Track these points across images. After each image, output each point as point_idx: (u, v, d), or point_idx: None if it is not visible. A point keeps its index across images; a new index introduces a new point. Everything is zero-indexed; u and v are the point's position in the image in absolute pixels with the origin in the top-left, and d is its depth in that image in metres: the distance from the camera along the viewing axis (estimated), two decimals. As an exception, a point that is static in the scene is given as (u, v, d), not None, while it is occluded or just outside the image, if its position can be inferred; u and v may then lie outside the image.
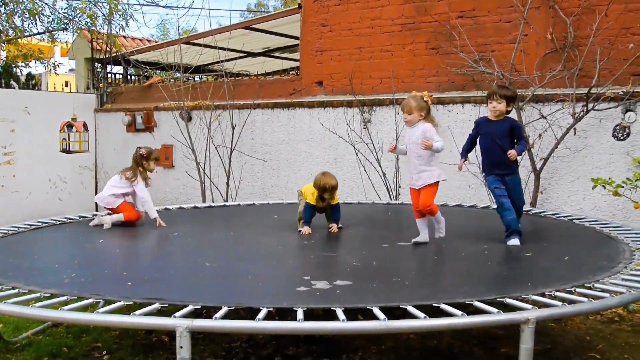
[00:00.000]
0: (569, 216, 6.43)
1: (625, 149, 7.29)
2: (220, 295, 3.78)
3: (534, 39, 7.89)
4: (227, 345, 5.00)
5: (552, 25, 7.72)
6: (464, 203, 7.54)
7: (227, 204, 8.55)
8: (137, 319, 3.19)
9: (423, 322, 3.12)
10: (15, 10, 10.90)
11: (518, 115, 7.62)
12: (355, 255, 4.86)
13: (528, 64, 7.81)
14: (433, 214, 5.37)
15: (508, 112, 5.36)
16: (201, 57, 11.24)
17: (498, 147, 5.32)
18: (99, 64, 12.70)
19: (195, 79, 12.27)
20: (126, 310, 3.39)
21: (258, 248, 5.33)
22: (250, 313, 3.36)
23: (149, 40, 15.39)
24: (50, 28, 11.48)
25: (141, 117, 11.27)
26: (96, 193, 11.99)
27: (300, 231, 5.78)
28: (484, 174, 5.70)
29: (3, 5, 11.54)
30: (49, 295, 3.63)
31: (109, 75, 12.91)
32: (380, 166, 8.68)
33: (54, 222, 6.42)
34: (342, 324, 3.10)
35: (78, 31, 12.14)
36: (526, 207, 7.22)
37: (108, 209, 6.42)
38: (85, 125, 10.61)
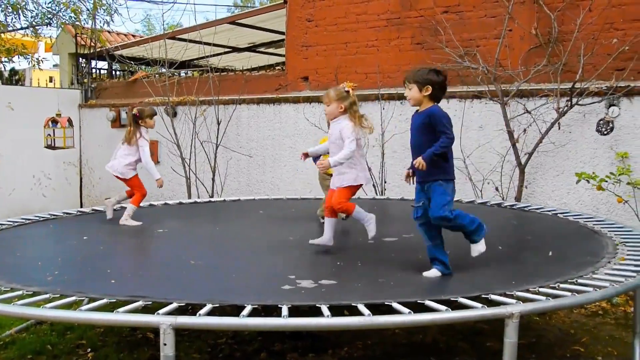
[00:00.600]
0: (554, 210, 6.46)
1: (608, 143, 7.33)
2: (205, 292, 3.76)
3: (518, 34, 7.90)
4: (212, 341, 4.99)
5: (537, 21, 7.74)
6: (449, 198, 7.54)
7: (212, 199, 8.52)
8: (121, 317, 3.16)
9: (408, 317, 3.12)
10: (-2, 5, 10.80)
11: (503, 110, 7.64)
12: (340, 253, 4.85)
13: (513, 59, 7.82)
14: (350, 213, 4.87)
15: (435, 98, 4.33)
16: (186, 52, 11.18)
17: (413, 145, 4.42)
18: (84, 59, 12.59)
19: (181, 74, 12.21)
20: (111, 307, 3.37)
21: (243, 245, 5.32)
22: (236, 310, 3.35)
23: (134, 36, 15.30)
24: (33, 23, 11.38)
25: (126, 112, 11.18)
26: (81, 189, 11.93)
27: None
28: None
29: (-15, 0, 11.44)
30: (31, 293, 3.59)
31: (94, 70, 12.82)
32: (366, 161, 8.66)
33: (38, 218, 6.36)
34: (326, 320, 3.09)
35: (62, 26, 12.04)
36: (511, 202, 7.27)
37: (120, 179, 6.52)
38: (69, 121, 10.53)
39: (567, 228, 5.73)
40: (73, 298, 3.48)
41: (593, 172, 7.06)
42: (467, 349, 4.83)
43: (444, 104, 8.21)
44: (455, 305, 3.31)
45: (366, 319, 3.09)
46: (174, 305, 3.26)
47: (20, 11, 11.02)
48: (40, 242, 5.60)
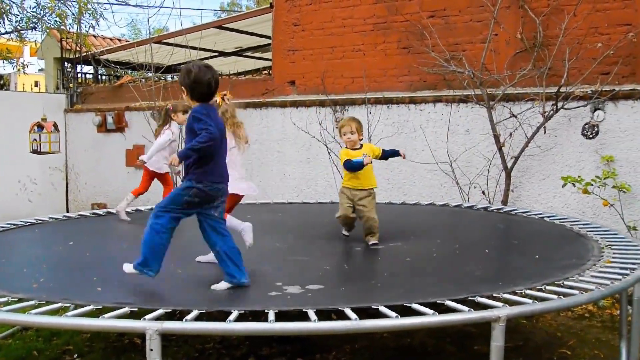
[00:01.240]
0: (540, 214, 6.49)
1: (594, 147, 7.38)
2: (191, 299, 3.76)
3: (504, 38, 7.95)
4: (200, 346, 4.98)
5: (522, 25, 7.79)
6: (436, 202, 7.57)
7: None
8: (107, 322, 3.15)
9: (395, 321, 3.12)
10: (-18, 10, 10.73)
11: (489, 115, 7.68)
12: (327, 258, 4.86)
13: (498, 63, 7.87)
14: None
15: (200, 97, 3.92)
16: (172, 56, 11.15)
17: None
18: (69, 64, 12.54)
19: (167, 78, 12.18)
20: (97, 313, 3.35)
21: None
22: (223, 315, 3.34)
23: (119, 40, 15.25)
24: (18, 27, 11.30)
25: (112, 117, 11.14)
26: (67, 194, 11.86)
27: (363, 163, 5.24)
28: None
29: (-30, 4, 11.36)
30: (16, 299, 3.57)
31: (79, 75, 12.76)
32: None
33: (24, 223, 6.32)
34: (313, 324, 3.09)
35: (47, 30, 11.98)
36: (497, 205, 7.31)
37: (156, 174, 7.09)
38: (55, 126, 10.50)
39: (553, 231, 5.76)
40: (59, 304, 3.46)
41: (579, 176, 7.11)
42: (455, 352, 4.85)
43: (430, 109, 8.36)
44: (442, 309, 3.32)
45: (353, 323, 3.09)
46: (161, 311, 3.26)
47: (4, 15, 10.94)
48: (25, 247, 5.57)
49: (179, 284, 4.17)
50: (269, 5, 10.11)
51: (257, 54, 14.83)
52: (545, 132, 7.55)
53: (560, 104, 7.34)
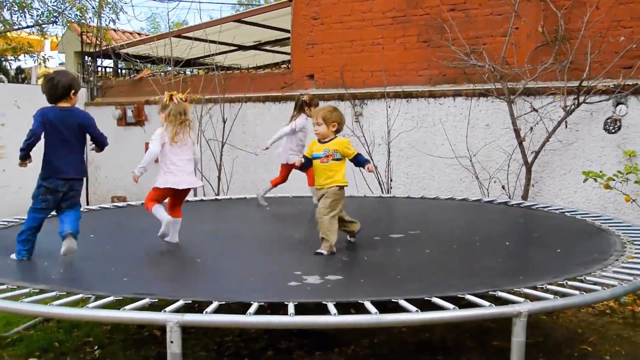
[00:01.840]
0: (561, 209, 6.43)
1: (616, 142, 7.30)
2: (211, 290, 3.76)
3: (525, 32, 7.88)
4: (219, 339, 4.98)
5: (543, 18, 7.72)
6: (455, 196, 7.53)
7: (218, 197, 8.51)
8: (128, 314, 3.17)
9: (415, 315, 3.11)
10: (4, 3, 10.80)
11: (510, 109, 7.61)
12: (347, 250, 4.85)
13: (519, 57, 7.80)
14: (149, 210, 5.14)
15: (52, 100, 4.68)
16: (192, 50, 11.16)
17: None
18: (89, 58, 12.61)
19: (186, 72, 12.21)
20: (117, 305, 3.37)
21: (249, 242, 5.31)
22: (242, 307, 3.35)
23: (139, 34, 15.31)
24: (39, 21, 11.39)
25: (132, 110, 11.20)
26: (87, 187, 11.93)
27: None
28: None
29: (-8, -1, 11.46)
30: (38, 290, 3.59)
31: (99, 68, 12.83)
32: (371, 159, 8.66)
33: (44, 216, 6.35)
34: (333, 318, 3.08)
35: (68, 24, 12.05)
36: (517, 200, 7.25)
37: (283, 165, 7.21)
38: (75, 119, 10.52)
39: (574, 226, 5.70)
40: (80, 296, 3.48)
41: (600, 171, 7.02)
42: (475, 348, 4.81)
43: (450, 102, 8.30)
44: (462, 303, 3.30)
45: (373, 317, 3.08)
46: (181, 302, 3.26)
47: (26, 9, 11.03)
48: (46, 239, 5.59)
49: (197, 275, 4.19)
50: (288, -1, 10.10)
51: (276, 48, 14.82)
52: (566, 127, 7.48)
53: (582, 98, 7.26)
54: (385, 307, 3.25)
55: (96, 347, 4.96)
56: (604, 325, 5.40)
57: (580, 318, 5.56)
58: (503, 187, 7.85)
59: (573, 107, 7.32)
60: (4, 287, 3.68)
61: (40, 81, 4.41)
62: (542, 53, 7.72)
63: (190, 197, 9.06)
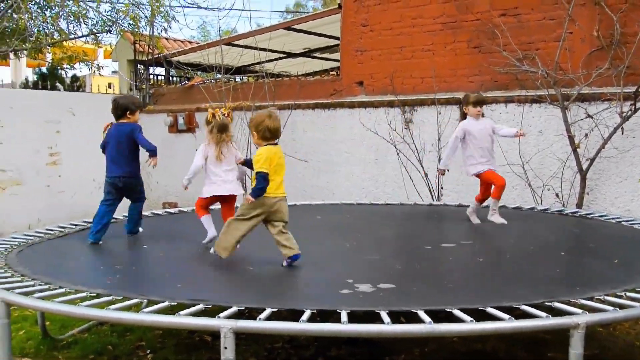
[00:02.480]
0: (617, 218, 6.29)
1: (675, 148, 7.10)
2: (263, 297, 3.78)
3: (579, 36, 7.73)
4: (269, 345, 5.01)
5: (598, 23, 7.56)
6: (508, 205, 7.42)
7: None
8: (183, 319, 3.21)
9: (470, 325, 3.07)
10: (61, 14, 11.08)
11: (563, 115, 7.48)
12: (398, 258, 4.83)
13: (573, 62, 7.65)
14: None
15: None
16: (242, 58, 11.28)
17: None
18: (142, 66, 12.86)
19: (236, 79, 12.33)
20: (170, 310, 3.42)
21: (300, 250, 5.31)
22: (292, 314, 3.36)
23: (190, 42, 15.54)
24: (94, 30, 11.64)
25: (183, 118, 11.37)
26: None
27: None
28: None
29: (49, 9, 11.74)
30: (94, 295, 3.67)
31: (151, 76, 13.07)
32: (422, 166, 8.61)
33: (99, 222, 6.49)
34: (386, 327, 3.07)
35: (121, 33, 12.31)
36: (572, 209, 7.11)
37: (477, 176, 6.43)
38: (128, 126, 10.73)
39: (631, 236, 5.57)
40: (135, 300, 3.54)
41: (658, 178, 6.86)
42: (528, 359, 4.73)
43: (501, 109, 8.19)
44: (517, 313, 3.25)
45: (427, 326, 3.05)
46: (234, 309, 3.29)
47: (81, 19, 11.28)
48: (102, 246, 5.72)
49: (249, 282, 4.22)
50: (337, 6, 10.12)
51: (325, 55, 14.87)
52: (622, 133, 7.30)
53: (639, 104, 7.09)
54: (436, 316, 3.21)
55: (149, 351, 5.04)
56: (664, 338, 5.26)
57: (638, 330, 5.42)
58: (557, 195, 7.71)
59: (630, 113, 7.15)
60: (63, 290, 3.78)
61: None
62: (597, 58, 7.56)
63: (240, 203, 9.14)
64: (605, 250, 5.03)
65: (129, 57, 12.87)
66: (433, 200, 8.45)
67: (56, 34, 11.32)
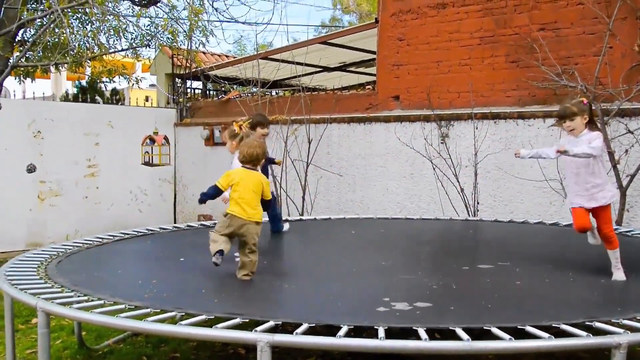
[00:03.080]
0: (659, 236, 6.17)
1: None
2: (298, 312, 3.78)
3: (619, 51, 7.63)
4: (301, 359, 5.01)
5: (639, 37, 7.46)
6: (545, 220, 7.33)
7: (303, 218, 8.58)
8: (220, 332, 3.23)
9: (508, 343, 3.03)
10: (101, 28, 11.29)
11: (603, 130, 7.37)
12: (434, 277, 4.78)
13: (613, 77, 7.55)
14: None
15: None
16: (278, 72, 11.36)
17: None
18: (179, 79, 13.04)
19: (272, 93, 12.42)
20: (204, 323, 3.44)
21: (335, 265, 5.31)
22: (326, 329, 3.35)
23: (226, 56, 15.70)
24: (133, 44, 11.84)
25: (219, 131, 11.47)
26: (175, 205, 12.27)
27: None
28: None
29: (90, 24, 11.98)
30: (133, 307, 3.71)
31: (189, 90, 13.23)
32: (458, 181, 8.56)
33: (136, 233, 6.58)
34: (424, 343, 3.05)
35: (160, 47, 12.50)
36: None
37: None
38: (166, 139, 10.89)
39: (675, 254, 5.45)
40: (173, 313, 3.57)
41: (702, 196, 6.72)
42: (567, 379, 4.65)
43: (539, 124, 8.11)
44: (556, 332, 3.20)
45: (465, 344, 3.02)
46: (271, 323, 3.30)
47: (121, 33, 11.49)
48: (139, 258, 5.79)
49: (285, 297, 4.23)
50: (374, 21, 10.15)
51: (361, 69, 14.90)
52: (664, 150, 7.18)
53: (681, 120, 6.97)
54: (472, 333, 3.18)
55: (183, 364, 5.08)
56: None
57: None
58: (595, 212, 7.58)
59: (672, 129, 7.03)
60: (101, 302, 3.83)
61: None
62: (638, 73, 7.45)
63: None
64: (647, 269, 4.93)
65: (167, 70, 13.06)
66: (469, 215, 8.38)
67: (96, 48, 11.52)
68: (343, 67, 14.80)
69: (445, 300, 4.10)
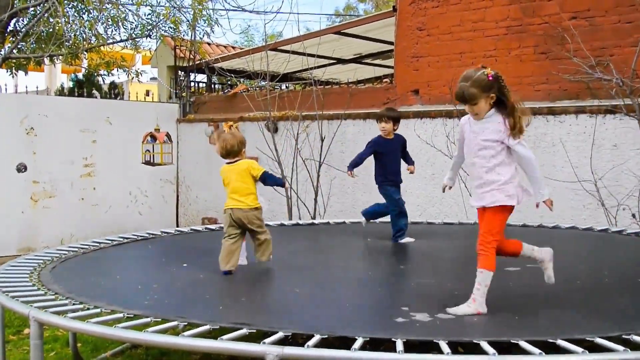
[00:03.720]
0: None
1: None
2: (310, 322, 3.77)
3: (659, 41, 7.59)
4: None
5: (681, 26, 7.42)
6: (578, 225, 7.28)
7: (315, 221, 8.56)
8: (225, 344, 3.22)
9: (539, 358, 3.01)
10: (99, 18, 11.33)
11: (641, 127, 7.33)
12: (457, 284, 4.75)
13: (652, 69, 7.51)
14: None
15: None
16: (288, 64, 11.35)
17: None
18: (182, 72, 13.04)
19: (282, 87, 12.42)
20: (208, 334, 3.44)
21: (350, 272, 5.30)
22: (340, 341, 3.34)
23: (233, 47, 15.69)
24: (133, 35, 11.87)
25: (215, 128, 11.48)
26: (177, 208, 12.29)
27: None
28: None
29: (86, 13, 12.01)
30: (132, 316, 3.71)
31: (192, 83, 13.23)
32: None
33: (136, 237, 6.59)
34: (446, 358, 3.03)
35: (161, 38, 12.51)
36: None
37: None
38: (168, 136, 10.93)
39: None
40: (175, 323, 3.57)
41: None
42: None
43: (571, 120, 8.05)
44: (589, 345, 3.18)
45: (491, 358, 3.00)
46: (280, 334, 3.29)
47: (120, 23, 11.52)
48: (139, 263, 5.80)
49: (295, 306, 4.21)
50: (391, 9, 10.13)
51: (378, 61, 14.89)
52: None
53: None
54: (498, 347, 3.16)
55: (186, 377, 5.08)
56: None
57: None
58: (633, 216, 7.54)
59: None
60: (98, 310, 3.84)
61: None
62: (679, 65, 7.40)
63: (285, 220, 9.18)
64: (689, 278, 4.89)
65: (169, 63, 13.09)
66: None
67: (93, 39, 11.56)
68: (358, 59, 14.79)
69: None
